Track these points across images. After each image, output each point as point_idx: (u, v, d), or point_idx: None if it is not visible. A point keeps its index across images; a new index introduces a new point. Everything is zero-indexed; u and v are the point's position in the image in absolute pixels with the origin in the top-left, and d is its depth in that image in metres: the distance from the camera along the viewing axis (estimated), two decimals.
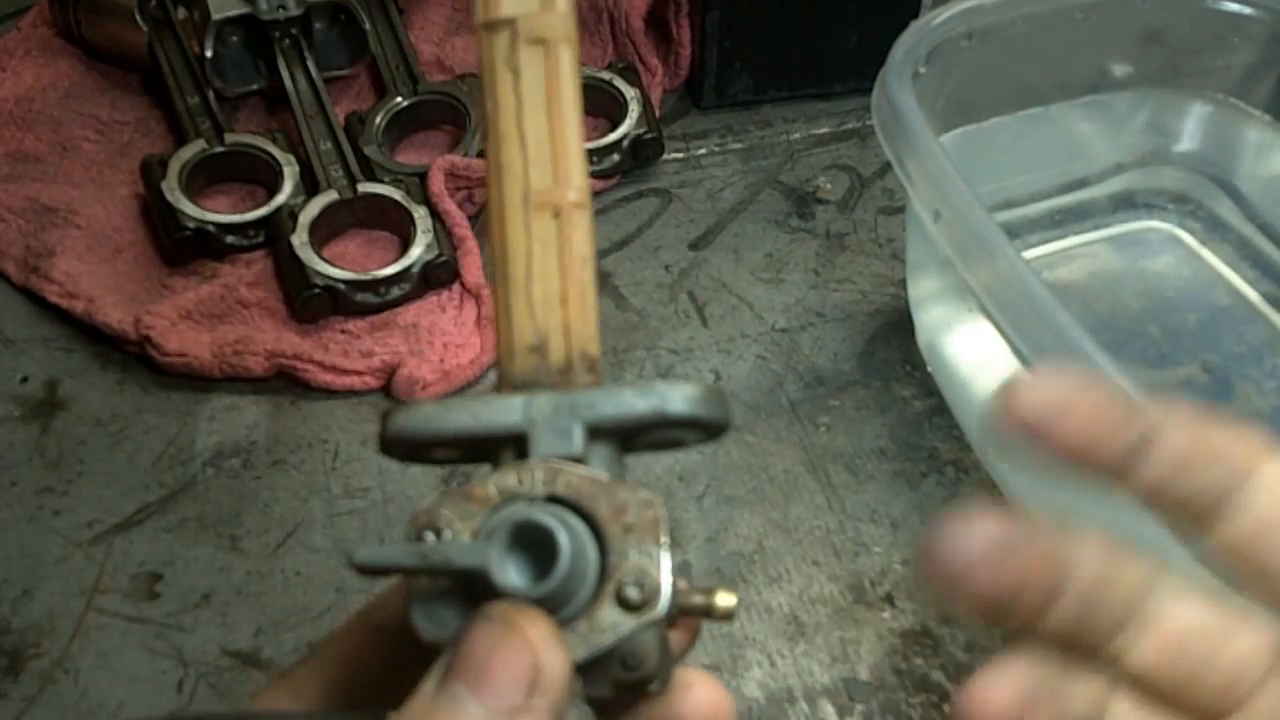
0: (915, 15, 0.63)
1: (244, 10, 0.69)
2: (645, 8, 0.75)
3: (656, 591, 0.22)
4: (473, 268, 0.62)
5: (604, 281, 0.65)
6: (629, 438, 0.23)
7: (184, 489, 0.55)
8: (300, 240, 0.61)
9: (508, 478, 0.22)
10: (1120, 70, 0.62)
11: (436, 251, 0.62)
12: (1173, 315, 0.61)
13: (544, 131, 0.24)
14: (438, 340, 0.60)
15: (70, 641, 0.49)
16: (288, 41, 0.70)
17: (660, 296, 0.65)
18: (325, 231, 0.64)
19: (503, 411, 0.22)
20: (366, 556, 0.21)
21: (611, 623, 0.21)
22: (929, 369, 0.60)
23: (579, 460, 0.22)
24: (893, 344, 0.62)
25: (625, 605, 0.22)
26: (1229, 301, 0.61)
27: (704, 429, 0.23)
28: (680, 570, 0.52)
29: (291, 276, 0.61)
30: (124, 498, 0.55)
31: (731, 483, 0.56)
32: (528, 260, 0.24)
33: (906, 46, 0.52)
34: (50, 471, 0.56)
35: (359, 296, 0.61)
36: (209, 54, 0.69)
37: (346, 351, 0.59)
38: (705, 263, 0.67)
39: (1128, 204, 0.65)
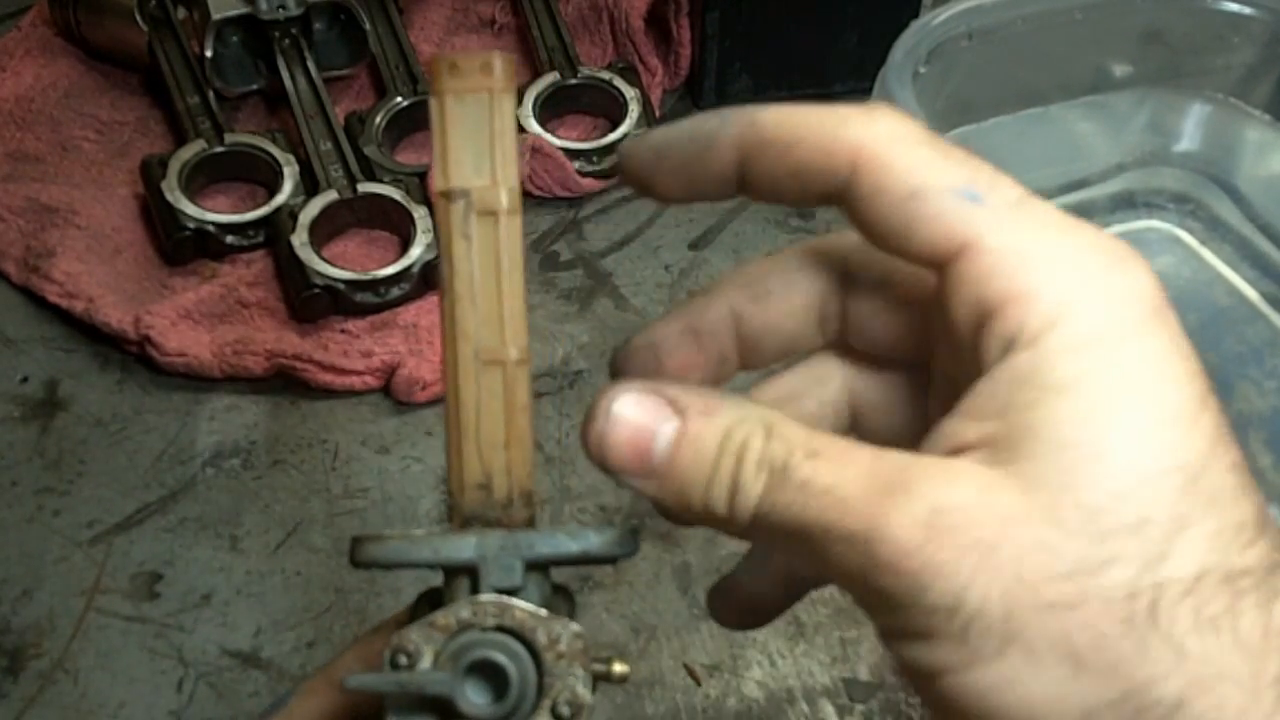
0: (915, 15, 0.63)
1: (244, 10, 0.69)
2: (645, 8, 0.75)
3: (582, 708, 0.27)
4: None
5: (604, 281, 0.65)
6: (557, 564, 0.30)
7: (184, 489, 0.55)
8: (300, 240, 0.61)
9: (464, 611, 0.27)
10: (1120, 70, 0.62)
11: (436, 251, 0.62)
12: None
13: (493, 295, 0.29)
14: (438, 340, 0.60)
15: (70, 641, 0.49)
16: (288, 41, 0.70)
17: (660, 296, 0.65)
18: (325, 231, 0.64)
19: (458, 549, 0.28)
20: (357, 682, 0.27)
21: None
22: None
23: (519, 589, 0.28)
24: None
25: (559, 718, 0.27)
26: (1229, 301, 0.61)
27: (616, 561, 0.30)
28: (681, 569, 0.52)
29: (291, 276, 0.61)
30: (124, 498, 0.55)
31: None
32: (477, 409, 0.29)
33: (906, 46, 0.52)
34: (50, 471, 0.56)
35: (359, 296, 0.60)
36: (209, 54, 0.69)
37: (346, 351, 0.59)
38: (705, 263, 0.67)
39: (1128, 204, 0.65)
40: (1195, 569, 0.22)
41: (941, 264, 0.24)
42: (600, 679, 0.29)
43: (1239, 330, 0.60)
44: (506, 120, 0.28)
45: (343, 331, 0.61)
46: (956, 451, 0.24)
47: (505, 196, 0.28)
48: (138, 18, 0.70)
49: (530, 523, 0.29)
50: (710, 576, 0.52)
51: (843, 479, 0.23)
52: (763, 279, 0.29)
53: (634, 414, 0.26)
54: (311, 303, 0.60)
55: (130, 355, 0.60)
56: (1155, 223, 0.65)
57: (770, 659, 0.49)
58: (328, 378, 0.59)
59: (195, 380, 0.59)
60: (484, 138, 0.28)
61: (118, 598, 0.51)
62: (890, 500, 0.23)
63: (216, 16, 0.69)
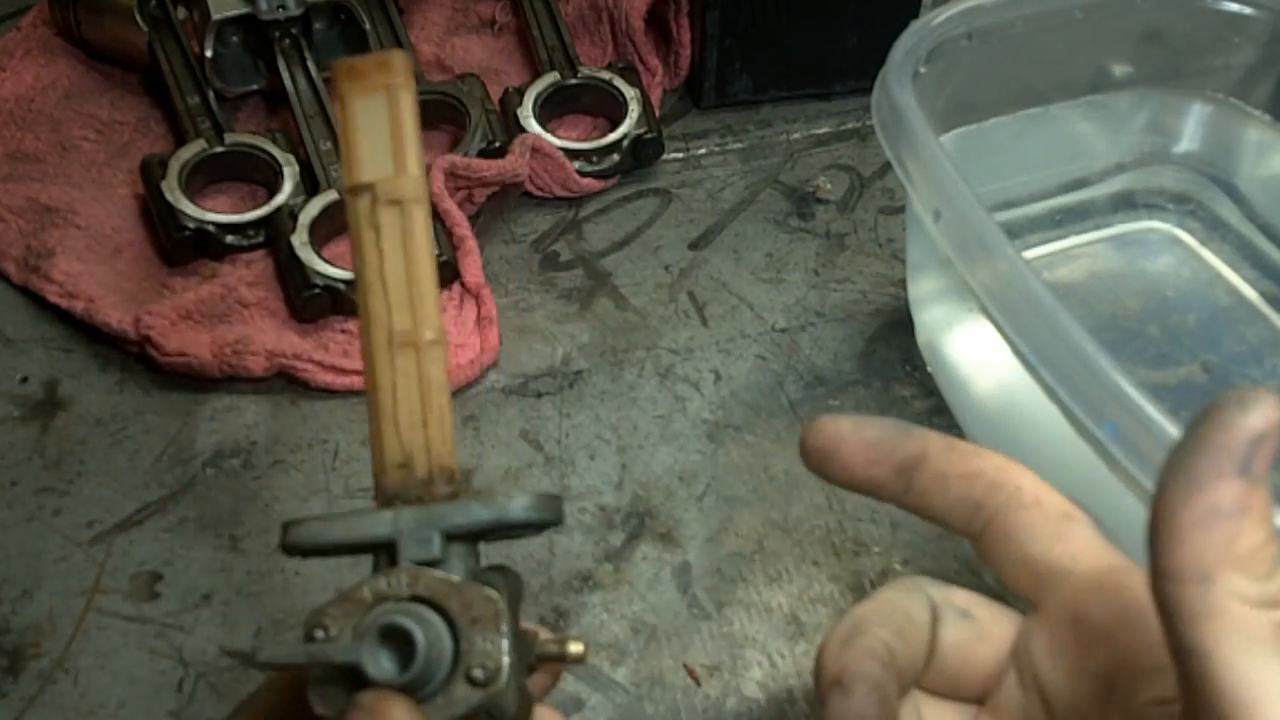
0: (915, 15, 0.63)
1: (244, 10, 0.69)
2: (645, 8, 0.75)
3: (498, 670, 0.27)
4: (473, 268, 0.62)
5: (604, 281, 0.65)
6: (480, 537, 0.29)
7: (184, 489, 0.55)
8: (300, 240, 0.61)
9: (379, 582, 0.28)
10: (1120, 70, 0.62)
11: (436, 251, 0.62)
12: (1173, 315, 0.61)
13: (403, 281, 0.29)
14: None
15: (70, 641, 0.49)
16: (288, 41, 0.70)
17: (660, 296, 0.65)
18: (325, 231, 0.64)
19: (374, 525, 0.28)
20: (267, 655, 0.27)
21: (463, 697, 0.27)
22: (929, 369, 0.60)
23: (440, 561, 0.28)
24: (893, 344, 0.62)
25: (473, 683, 0.27)
26: (1229, 301, 0.61)
27: (538, 528, 0.30)
28: (681, 569, 0.52)
29: (291, 276, 0.61)
30: (124, 498, 0.55)
31: (731, 483, 0.56)
32: (393, 391, 0.29)
33: (906, 46, 0.52)
34: (50, 471, 0.56)
35: None
36: (209, 54, 0.69)
37: (346, 351, 0.59)
38: (705, 263, 0.67)
39: (1128, 204, 0.65)
40: None
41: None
42: (554, 660, 0.29)
43: (1239, 330, 0.60)
44: (407, 113, 0.30)
45: (343, 331, 0.61)
46: None
47: (410, 185, 0.29)
48: (138, 18, 0.70)
49: (453, 499, 0.29)
50: (710, 576, 0.52)
51: None
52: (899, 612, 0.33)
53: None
54: (311, 303, 0.60)
55: (130, 355, 0.60)
56: (1155, 223, 0.65)
57: (770, 659, 0.49)
58: (328, 378, 0.59)
59: (195, 380, 0.59)
60: (385, 132, 0.30)
61: (118, 598, 0.51)
62: None
63: (216, 16, 0.69)
